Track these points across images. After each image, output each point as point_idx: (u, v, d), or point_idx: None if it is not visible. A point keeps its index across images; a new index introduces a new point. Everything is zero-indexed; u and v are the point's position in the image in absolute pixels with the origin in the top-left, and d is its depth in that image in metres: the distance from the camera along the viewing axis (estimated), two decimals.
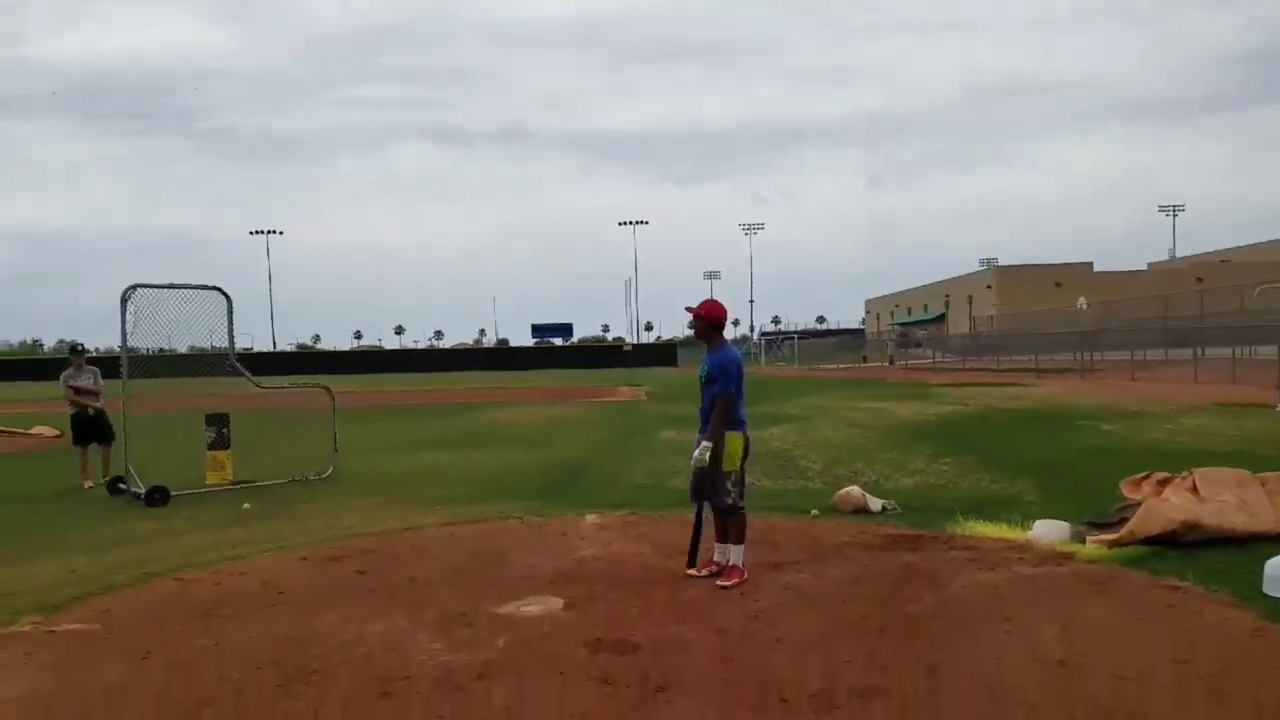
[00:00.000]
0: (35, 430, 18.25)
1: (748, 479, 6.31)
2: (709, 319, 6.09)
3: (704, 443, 5.86)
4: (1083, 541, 6.61)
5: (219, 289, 11.33)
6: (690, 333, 6.69)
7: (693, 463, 5.95)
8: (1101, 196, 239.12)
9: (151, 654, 4.82)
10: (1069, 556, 6.39)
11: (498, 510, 8.98)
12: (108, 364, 12.07)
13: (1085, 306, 45.42)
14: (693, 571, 6.08)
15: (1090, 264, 76.68)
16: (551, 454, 14.01)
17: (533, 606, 5.56)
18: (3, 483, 12.22)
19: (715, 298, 6.33)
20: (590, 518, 8.42)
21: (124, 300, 10.66)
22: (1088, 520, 7.10)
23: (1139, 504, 6.69)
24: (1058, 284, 68.59)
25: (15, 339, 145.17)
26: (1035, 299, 59.16)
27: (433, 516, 8.75)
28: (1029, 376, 32.67)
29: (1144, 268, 79.46)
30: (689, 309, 6.19)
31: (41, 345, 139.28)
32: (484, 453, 14.48)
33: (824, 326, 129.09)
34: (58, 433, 16.77)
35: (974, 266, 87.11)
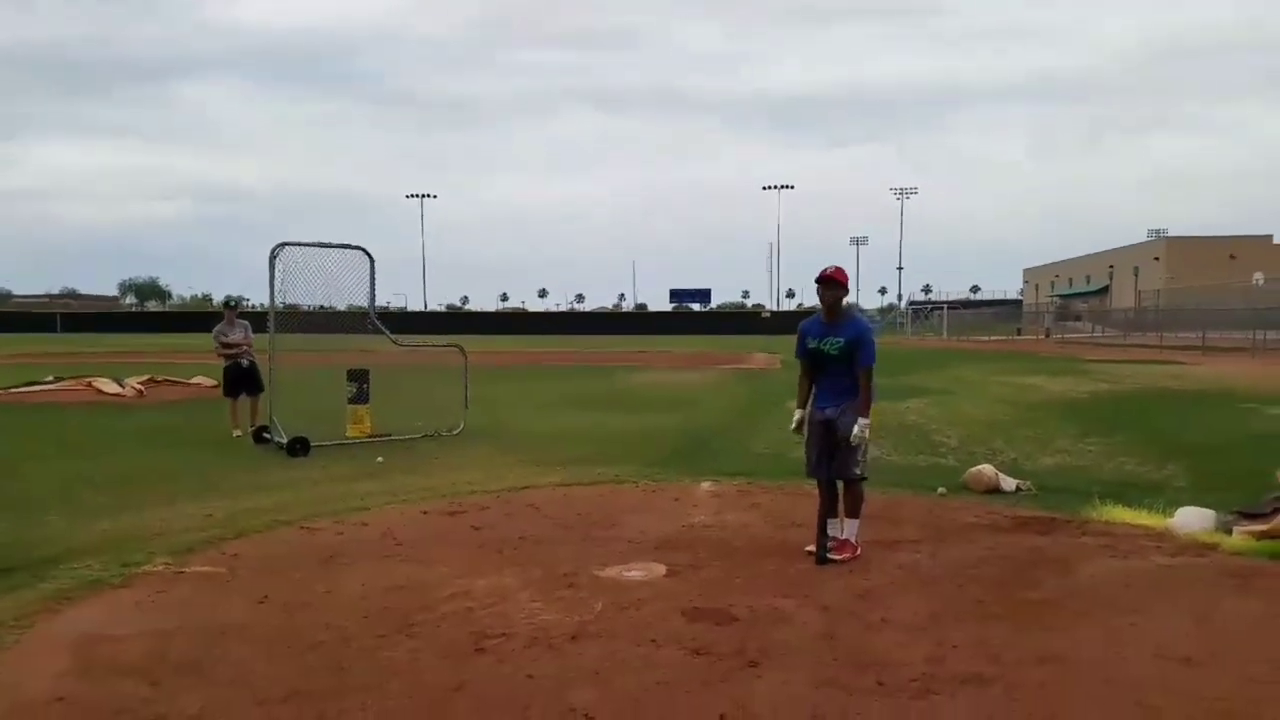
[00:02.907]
0: (195, 380, 19.36)
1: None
2: (847, 285, 5.85)
3: (862, 420, 5.62)
4: (1229, 532, 6.10)
5: (362, 248, 11.70)
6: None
7: (852, 440, 5.66)
8: None
9: (269, 598, 5.03)
10: (1212, 547, 5.92)
11: (615, 473, 9.02)
12: (260, 318, 12.70)
13: (1262, 281, 42.07)
14: (810, 548, 5.78)
15: (1269, 236, 71.54)
16: (677, 419, 13.98)
17: (635, 571, 5.53)
18: (160, 430, 13.09)
19: (837, 265, 5.91)
20: (705, 485, 8.33)
21: (272, 258, 11.14)
22: (1237, 509, 6.53)
23: None
24: (1232, 256, 64.18)
25: (187, 293, 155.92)
26: (1207, 272, 55.23)
27: (552, 476, 8.86)
28: (1194, 354, 30.59)
29: None
30: (827, 273, 5.73)
31: (210, 299, 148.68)
32: (611, 415, 14.59)
33: (978, 296, 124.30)
34: (215, 383, 17.77)
35: (1141, 237, 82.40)
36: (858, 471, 5.78)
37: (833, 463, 5.76)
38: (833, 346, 5.75)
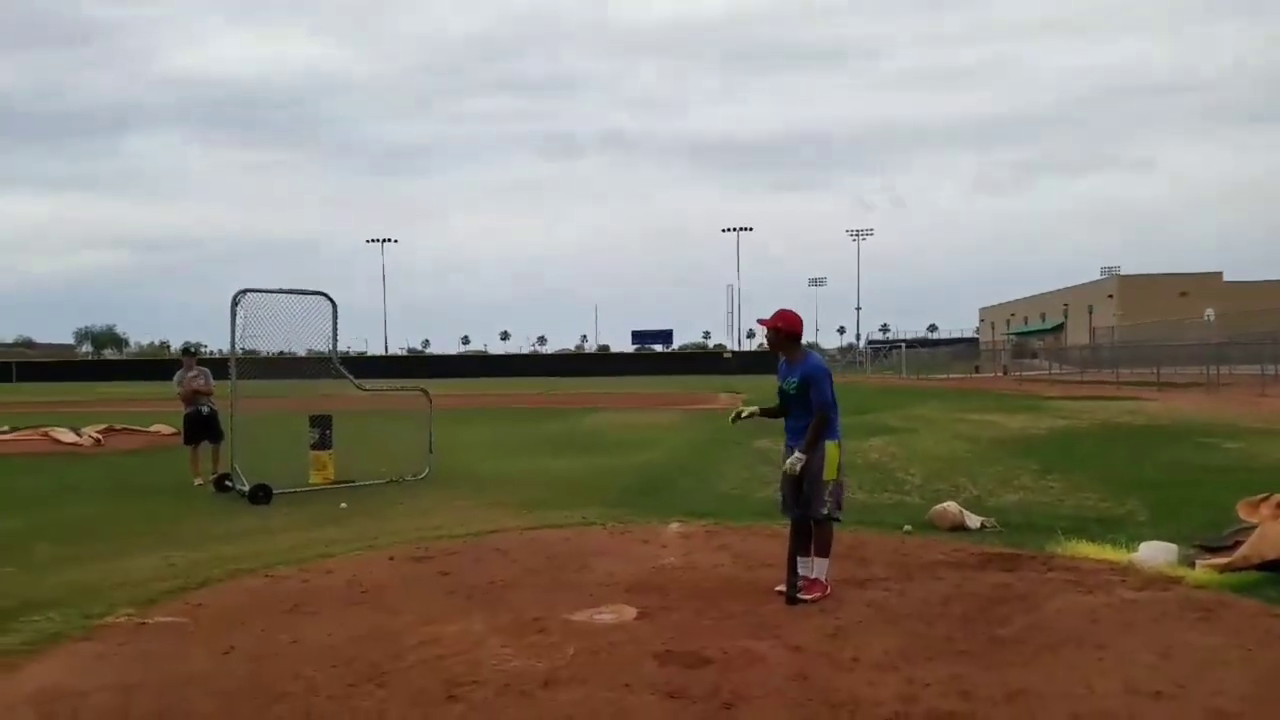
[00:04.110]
0: (154, 428, 19.06)
1: (845, 489, 6.15)
2: (787, 330, 5.93)
3: (797, 453, 5.72)
4: (1192, 565, 6.20)
5: (325, 294, 11.67)
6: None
7: (785, 470, 5.81)
8: (1232, 203, 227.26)
9: (234, 649, 4.94)
10: (1176, 581, 6.00)
11: (582, 515, 8.99)
12: (220, 365, 12.55)
13: (1212, 318, 43.20)
14: (781, 588, 5.83)
15: (1219, 273, 73.43)
16: (642, 460, 13.99)
17: (606, 615, 5.51)
18: (121, 478, 12.88)
19: (789, 308, 6.09)
20: (674, 526, 8.33)
21: (234, 304, 11.08)
22: (1199, 543, 6.67)
23: (1255, 527, 6.24)
24: (1183, 294, 65.82)
25: (144, 340, 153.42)
26: (1159, 309, 56.62)
27: (519, 519, 8.81)
28: (1150, 390, 31.19)
29: (1278, 278, 75.25)
30: (761, 321, 6.09)
31: (168, 346, 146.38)
32: (577, 457, 14.57)
33: (936, 335, 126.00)
34: (175, 431, 17.52)
35: (1094, 275, 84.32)
36: (825, 511, 5.82)
37: (799, 501, 5.81)
38: (790, 386, 5.88)
